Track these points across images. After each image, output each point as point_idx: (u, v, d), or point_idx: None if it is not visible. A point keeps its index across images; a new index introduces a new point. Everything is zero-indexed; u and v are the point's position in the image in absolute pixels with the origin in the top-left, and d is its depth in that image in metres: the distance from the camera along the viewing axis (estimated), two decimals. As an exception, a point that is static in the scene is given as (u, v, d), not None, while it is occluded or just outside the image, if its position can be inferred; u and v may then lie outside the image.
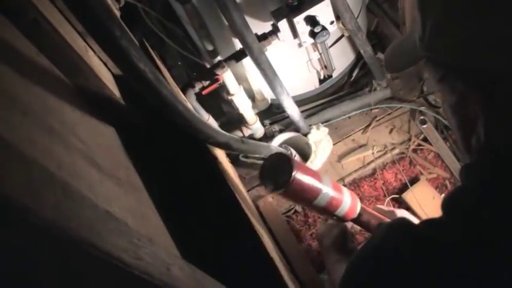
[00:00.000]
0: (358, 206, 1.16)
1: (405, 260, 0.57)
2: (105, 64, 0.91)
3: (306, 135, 1.71)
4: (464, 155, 0.66)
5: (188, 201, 0.89)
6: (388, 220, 1.15)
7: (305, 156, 1.70)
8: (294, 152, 1.62)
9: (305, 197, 1.05)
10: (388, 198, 1.57)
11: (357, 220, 1.18)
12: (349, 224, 1.16)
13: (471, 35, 0.51)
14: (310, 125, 1.73)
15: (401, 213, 1.19)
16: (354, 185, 1.65)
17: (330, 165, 1.72)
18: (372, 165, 1.69)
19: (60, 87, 0.71)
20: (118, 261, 0.33)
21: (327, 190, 1.07)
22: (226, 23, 1.25)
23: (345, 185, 1.64)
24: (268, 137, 1.85)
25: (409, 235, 0.60)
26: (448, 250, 0.54)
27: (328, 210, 1.11)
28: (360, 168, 1.69)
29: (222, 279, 0.59)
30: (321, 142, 1.70)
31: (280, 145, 1.68)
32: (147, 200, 0.75)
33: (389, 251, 0.61)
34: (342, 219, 1.16)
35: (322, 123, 1.77)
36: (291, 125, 1.81)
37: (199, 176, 0.94)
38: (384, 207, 1.23)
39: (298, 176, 0.99)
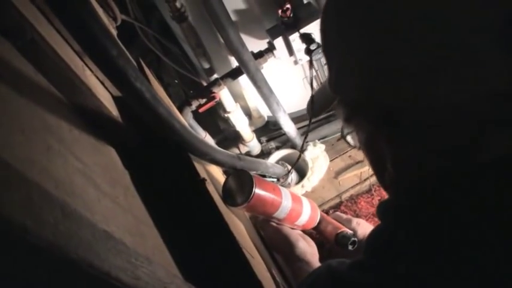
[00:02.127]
0: (318, 217, 1.26)
1: None
2: (103, 83, 0.91)
3: (302, 152, 1.71)
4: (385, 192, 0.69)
5: (183, 220, 0.89)
6: (345, 229, 1.25)
7: (302, 173, 1.71)
8: (290, 169, 1.63)
9: (266, 210, 1.13)
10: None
11: (315, 228, 1.29)
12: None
13: (365, 73, 0.55)
14: (306, 142, 1.74)
15: (358, 221, 1.25)
16: (351, 201, 1.65)
17: (327, 181, 1.72)
18: (369, 181, 1.69)
19: (58, 106, 0.71)
20: (116, 281, 0.33)
21: (286, 203, 1.16)
22: (223, 41, 1.26)
23: (342, 202, 1.64)
24: (265, 154, 1.85)
25: (330, 279, 0.65)
26: None
27: (288, 221, 1.20)
28: (357, 184, 1.69)
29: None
30: (317, 159, 1.70)
31: (277, 162, 1.68)
32: (145, 218, 0.75)
33: None
34: (303, 228, 1.27)
35: (319, 139, 1.78)
36: (287, 142, 1.81)
37: (192, 195, 0.94)
38: (343, 215, 1.33)
39: (258, 191, 1.07)
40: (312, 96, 0.86)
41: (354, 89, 0.58)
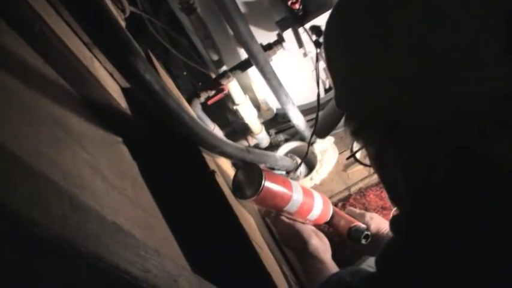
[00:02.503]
0: (330, 211, 1.27)
1: None
2: (112, 75, 0.91)
3: (311, 144, 1.70)
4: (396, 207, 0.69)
5: (192, 212, 0.89)
6: (358, 223, 1.24)
7: (311, 165, 1.70)
8: (299, 161, 1.62)
9: (276, 203, 1.12)
10: (394, 210, 1.56)
11: (328, 223, 1.29)
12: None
13: (367, 78, 0.55)
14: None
15: (371, 215, 1.25)
16: (360, 195, 1.64)
17: (336, 174, 1.71)
18: (378, 174, 1.68)
19: (67, 98, 0.71)
20: (125, 274, 0.33)
21: (297, 197, 1.15)
22: (232, 33, 1.25)
23: (350, 195, 1.63)
24: (273, 147, 1.85)
25: None
26: None
27: (300, 215, 1.19)
28: (366, 177, 1.68)
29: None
30: (326, 151, 1.70)
31: (286, 154, 1.67)
32: (153, 210, 0.75)
33: None
34: (315, 223, 1.25)
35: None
36: (296, 135, 1.81)
37: (201, 187, 0.94)
38: (356, 210, 1.32)
39: (268, 184, 1.06)
40: (317, 116, 0.86)
41: (358, 99, 0.58)
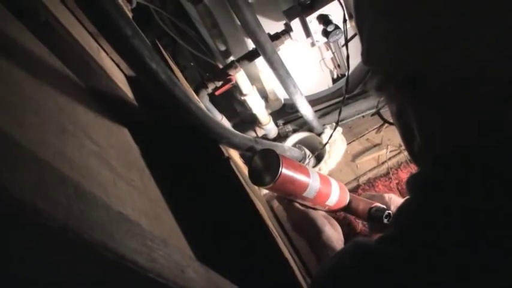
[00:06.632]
0: (348, 196, 1.26)
1: (355, 277, 0.59)
2: (118, 65, 0.90)
3: (319, 135, 1.70)
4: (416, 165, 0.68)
5: (202, 201, 0.89)
6: (377, 204, 1.22)
7: (319, 156, 1.69)
8: (308, 152, 1.61)
9: (294, 189, 1.10)
10: (404, 200, 1.55)
11: (346, 208, 1.27)
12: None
13: (393, 36, 0.54)
14: (324, 125, 1.72)
15: (390, 196, 1.25)
16: (369, 185, 1.63)
17: (345, 164, 1.70)
18: (387, 164, 1.67)
19: (73, 88, 0.70)
20: (132, 264, 0.32)
21: (314, 183, 1.13)
22: (239, 23, 1.24)
23: (359, 185, 1.62)
24: (281, 137, 1.84)
25: (359, 253, 0.62)
26: (394, 264, 0.55)
27: (318, 201, 1.18)
28: (375, 167, 1.67)
29: (236, 280, 0.58)
30: (335, 142, 1.69)
31: (294, 145, 1.67)
32: (161, 201, 0.74)
33: (341, 269, 0.64)
34: (334, 209, 1.24)
35: (336, 122, 1.76)
36: (304, 125, 1.80)
37: (213, 176, 0.94)
38: (373, 193, 1.31)
39: (285, 170, 1.04)
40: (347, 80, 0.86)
41: (383, 56, 0.58)
